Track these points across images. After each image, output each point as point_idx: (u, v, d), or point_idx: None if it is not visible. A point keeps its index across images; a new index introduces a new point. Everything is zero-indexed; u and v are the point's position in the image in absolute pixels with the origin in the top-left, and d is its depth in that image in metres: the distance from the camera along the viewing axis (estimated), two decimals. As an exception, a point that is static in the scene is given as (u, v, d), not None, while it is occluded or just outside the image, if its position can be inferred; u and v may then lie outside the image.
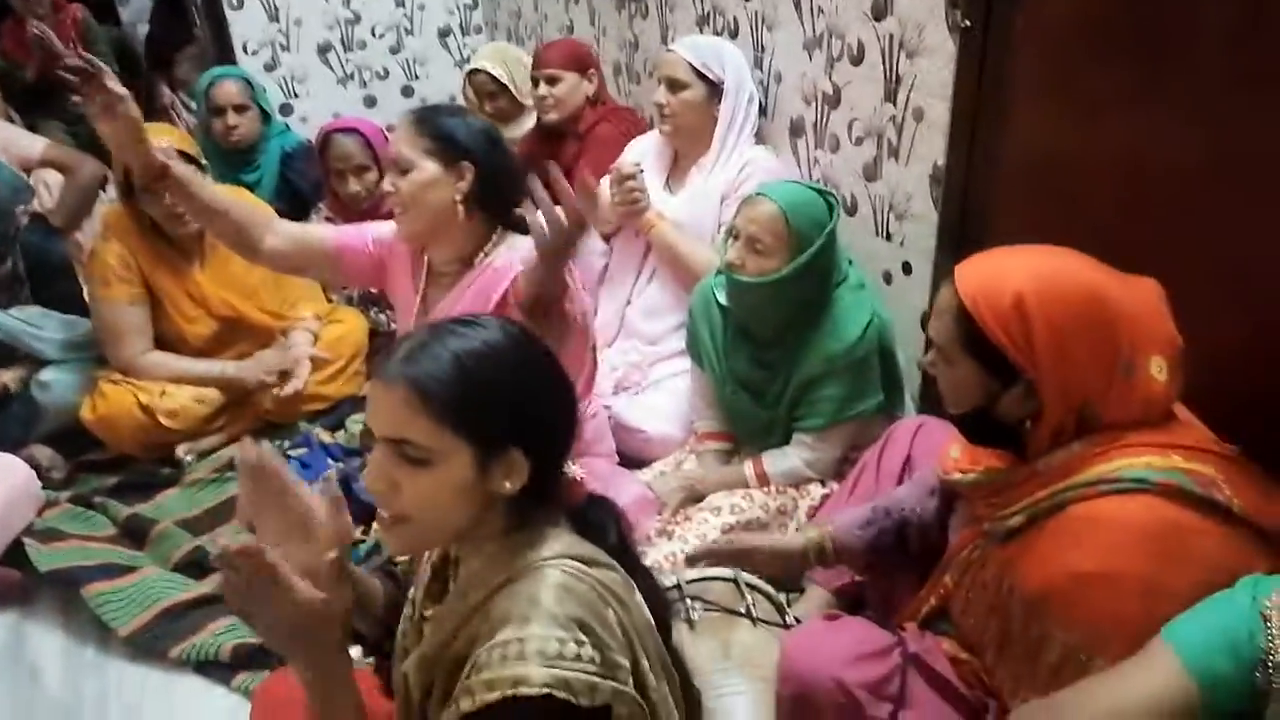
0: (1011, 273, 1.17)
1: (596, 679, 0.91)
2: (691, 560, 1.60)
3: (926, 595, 1.41)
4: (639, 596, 1.03)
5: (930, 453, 1.64)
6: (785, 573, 1.67)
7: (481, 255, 1.75)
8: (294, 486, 1.10)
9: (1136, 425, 1.17)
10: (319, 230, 2.00)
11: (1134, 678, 0.98)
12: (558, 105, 2.83)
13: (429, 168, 1.67)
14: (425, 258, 1.83)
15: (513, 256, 1.71)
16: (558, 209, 1.32)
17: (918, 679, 1.31)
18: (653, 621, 1.04)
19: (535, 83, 2.87)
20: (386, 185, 1.70)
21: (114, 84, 1.58)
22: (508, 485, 0.98)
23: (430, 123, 1.69)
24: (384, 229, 1.87)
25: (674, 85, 2.35)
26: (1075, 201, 1.65)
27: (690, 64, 2.33)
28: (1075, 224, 1.60)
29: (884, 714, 1.28)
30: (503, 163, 1.76)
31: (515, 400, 0.99)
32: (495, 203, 1.74)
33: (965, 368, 1.21)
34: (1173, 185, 1.47)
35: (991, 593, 1.25)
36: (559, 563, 0.98)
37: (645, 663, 0.98)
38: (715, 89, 2.36)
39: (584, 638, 0.92)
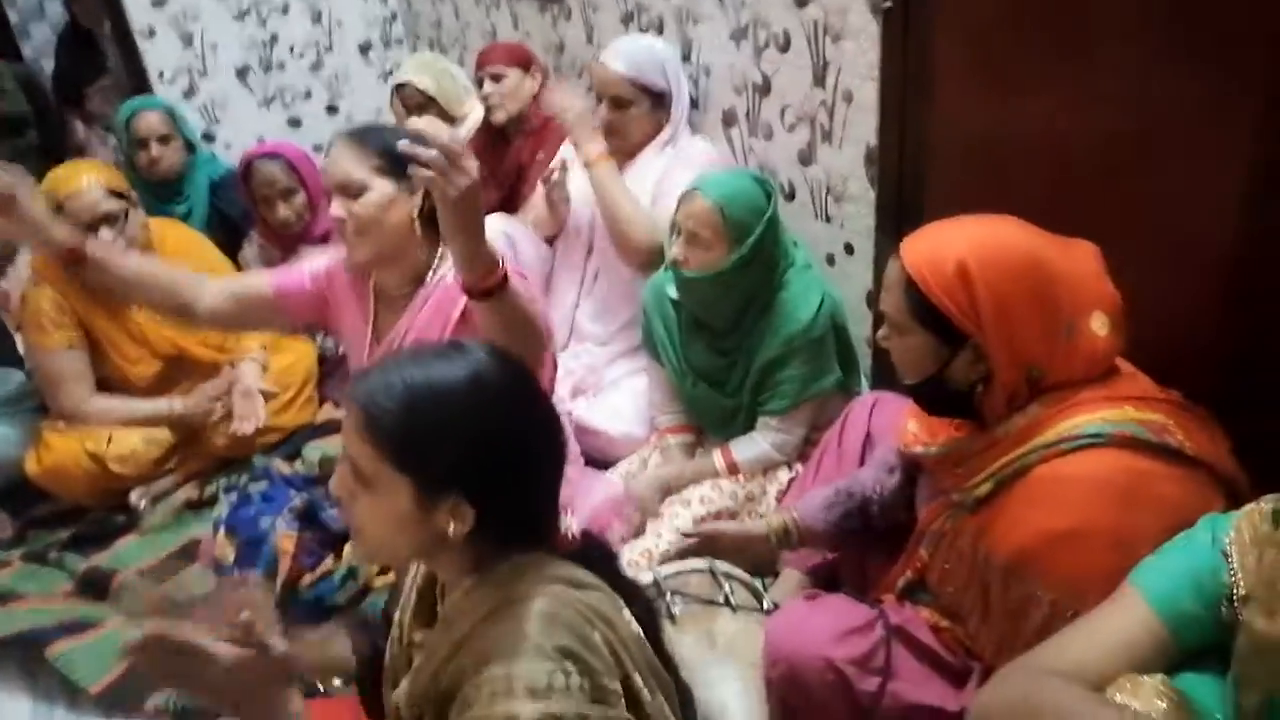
0: (953, 242, 1.22)
1: (587, 708, 0.91)
2: (664, 561, 1.61)
3: (902, 568, 1.44)
4: (625, 612, 1.03)
5: (888, 428, 1.68)
6: (753, 559, 1.70)
7: (431, 272, 1.73)
8: (196, 644, 0.98)
9: (1086, 382, 1.22)
10: (254, 279, 1.92)
11: (1106, 623, 1.02)
12: (504, 103, 2.83)
13: (384, 187, 1.61)
14: (371, 283, 1.79)
15: None
16: (432, 153, 1.21)
17: (902, 650, 1.34)
18: (641, 634, 1.04)
19: (480, 83, 2.88)
20: (336, 211, 1.62)
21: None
22: (451, 529, 0.97)
23: (375, 141, 1.63)
24: (320, 263, 1.82)
25: (618, 103, 2.32)
26: (1004, 175, 1.70)
27: (631, 81, 2.30)
28: (1006, 197, 1.64)
29: (872, 687, 1.31)
30: None
31: (462, 448, 0.96)
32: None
33: (916, 337, 1.25)
34: (1095, 155, 1.53)
35: (968, 561, 1.29)
36: (542, 589, 0.97)
37: (637, 678, 0.99)
38: (659, 97, 2.34)
39: (572, 667, 0.92)
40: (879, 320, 1.33)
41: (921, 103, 1.83)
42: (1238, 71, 1.28)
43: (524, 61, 2.87)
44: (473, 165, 1.24)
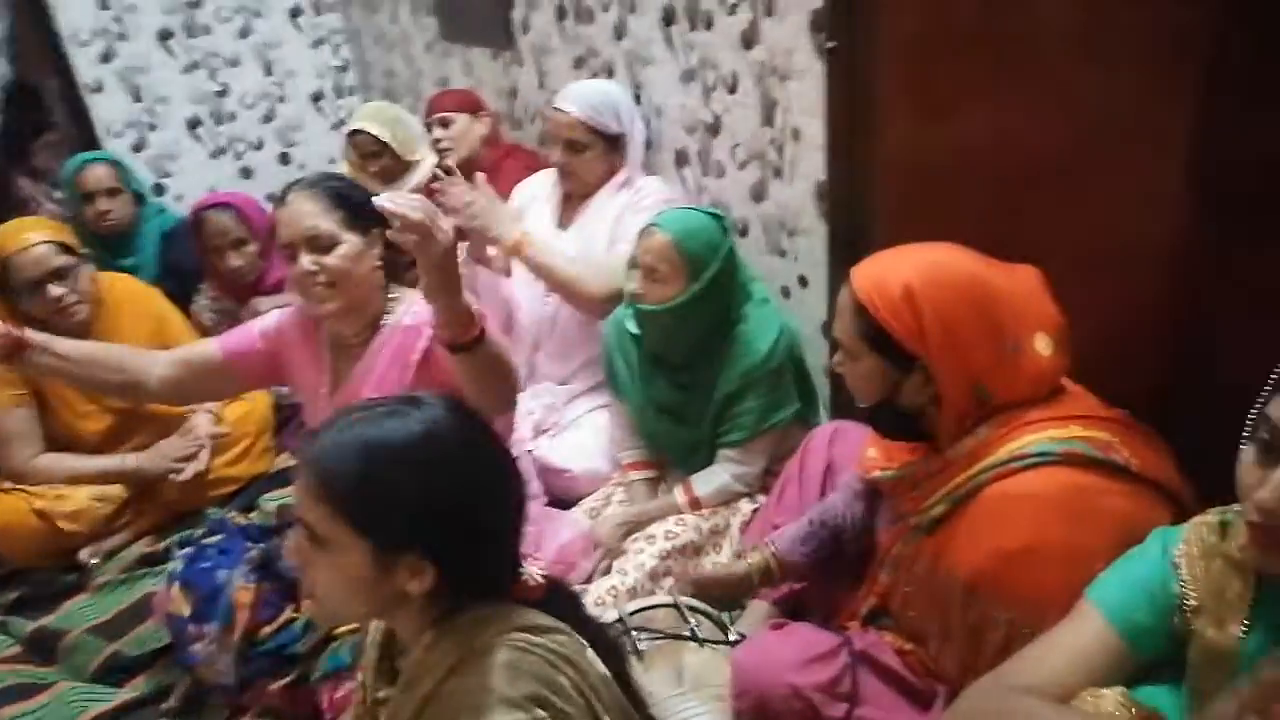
0: (899, 268, 1.26)
1: None
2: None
3: (865, 595, 1.45)
4: (590, 653, 1.02)
5: (849, 456, 1.70)
6: (735, 598, 1.71)
7: (384, 316, 1.73)
8: None
9: (1033, 402, 1.25)
10: (201, 346, 1.89)
11: (1066, 638, 1.03)
12: (455, 147, 2.87)
13: (352, 239, 1.64)
14: (323, 333, 1.79)
15: (422, 313, 1.69)
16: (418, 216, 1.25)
17: (868, 675, 1.34)
18: (608, 674, 1.03)
19: (429, 129, 2.93)
20: (307, 265, 1.61)
21: None
22: (411, 588, 0.96)
23: (339, 195, 1.65)
24: (270, 320, 1.83)
25: (574, 147, 2.35)
26: (950, 200, 1.75)
27: (586, 124, 2.33)
28: (952, 221, 1.69)
29: (839, 713, 1.31)
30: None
31: (419, 505, 0.95)
32: (391, 261, 1.74)
33: (868, 361, 1.28)
34: (1033, 172, 1.57)
35: (927, 584, 1.30)
36: (504, 639, 0.96)
37: (607, 719, 0.98)
38: (613, 140, 2.38)
39: (543, 714, 0.91)
40: (835, 348, 1.36)
41: (867, 137, 1.88)
42: (1165, 83, 1.33)
43: (472, 106, 2.93)
44: (449, 226, 1.28)
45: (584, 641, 1.03)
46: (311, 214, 1.62)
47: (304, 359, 1.81)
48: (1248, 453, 0.86)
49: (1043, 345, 1.25)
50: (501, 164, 2.85)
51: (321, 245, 1.62)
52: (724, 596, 1.67)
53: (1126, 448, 1.20)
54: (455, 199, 2.22)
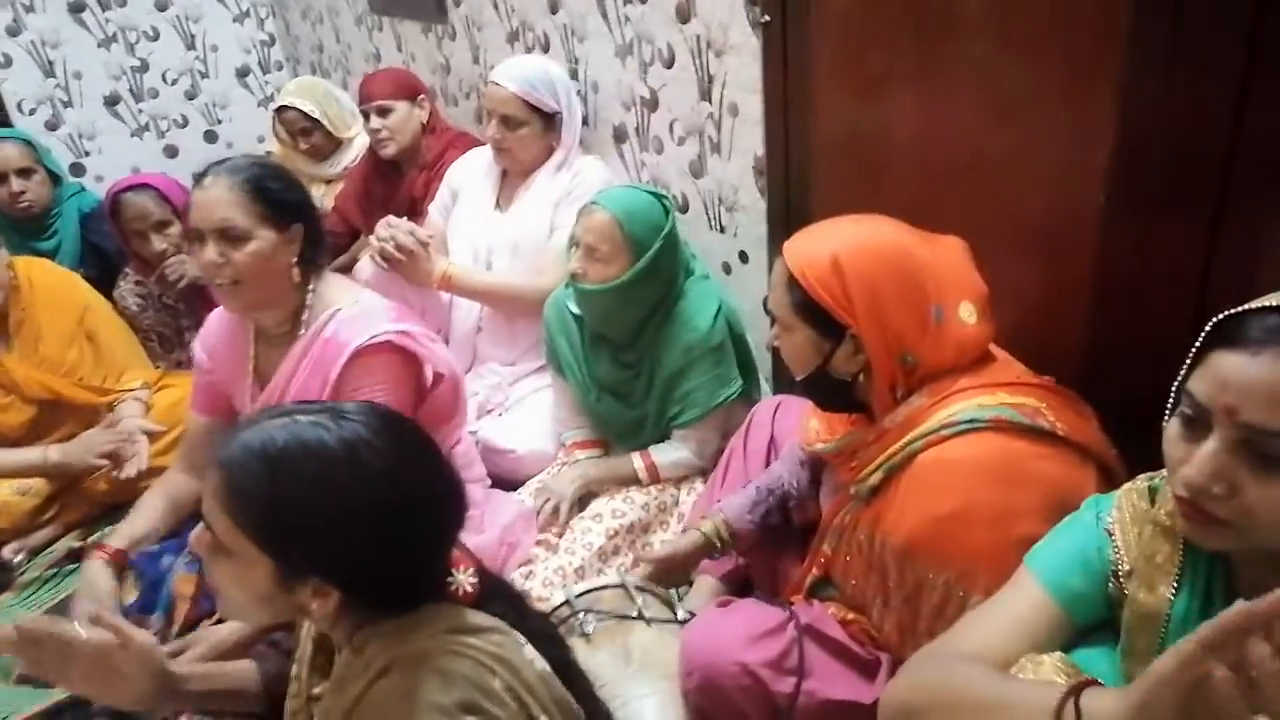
0: (828, 239, 1.29)
1: None
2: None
3: (809, 566, 1.47)
4: (528, 651, 1.00)
5: (791, 429, 1.72)
6: (688, 571, 1.72)
7: (305, 310, 1.69)
8: (73, 640, 1.08)
9: (961, 370, 1.28)
10: (190, 423, 1.92)
11: (1005, 606, 1.05)
12: (394, 137, 2.77)
13: (268, 236, 1.58)
14: (248, 325, 1.75)
15: (351, 330, 1.64)
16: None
17: (814, 648, 1.36)
18: (547, 670, 1.01)
19: (365, 116, 2.80)
20: (212, 256, 1.56)
21: None
22: (314, 608, 0.93)
23: (259, 187, 1.58)
24: (199, 337, 1.84)
25: (509, 123, 2.33)
26: (882, 175, 1.77)
27: (523, 100, 2.31)
28: (885, 195, 1.72)
29: (787, 688, 1.32)
30: (317, 214, 1.73)
31: (328, 534, 0.90)
32: (312, 254, 1.70)
33: (800, 332, 1.31)
34: (957, 152, 1.60)
35: (866, 552, 1.32)
36: (434, 644, 0.94)
37: (544, 719, 0.97)
38: (550, 118, 2.36)
39: (472, 718, 0.90)
40: (774, 322, 1.38)
41: (803, 112, 1.88)
42: (1085, 64, 1.36)
43: (411, 92, 2.80)
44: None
45: (521, 639, 1.01)
46: (228, 204, 1.56)
47: (229, 350, 1.77)
48: (1172, 426, 0.88)
49: (967, 313, 1.29)
50: (444, 155, 2.75)
51: (232, 238, 1.56)
52: (678, 571, 1.67)
53: (1052, 412, 1.24)
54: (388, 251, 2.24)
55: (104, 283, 2.69)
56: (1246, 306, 0.84)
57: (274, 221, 1.59)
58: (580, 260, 1.95)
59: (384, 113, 2.75)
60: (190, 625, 1.78)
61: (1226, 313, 0.85)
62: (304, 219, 1.65)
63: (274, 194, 1.60)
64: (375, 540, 0.91)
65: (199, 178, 1.61)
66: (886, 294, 1.25)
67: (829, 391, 1.35)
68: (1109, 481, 1.21)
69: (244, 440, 0.92)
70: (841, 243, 1.27)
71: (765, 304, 2.16)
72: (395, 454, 0.94)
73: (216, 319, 1.84)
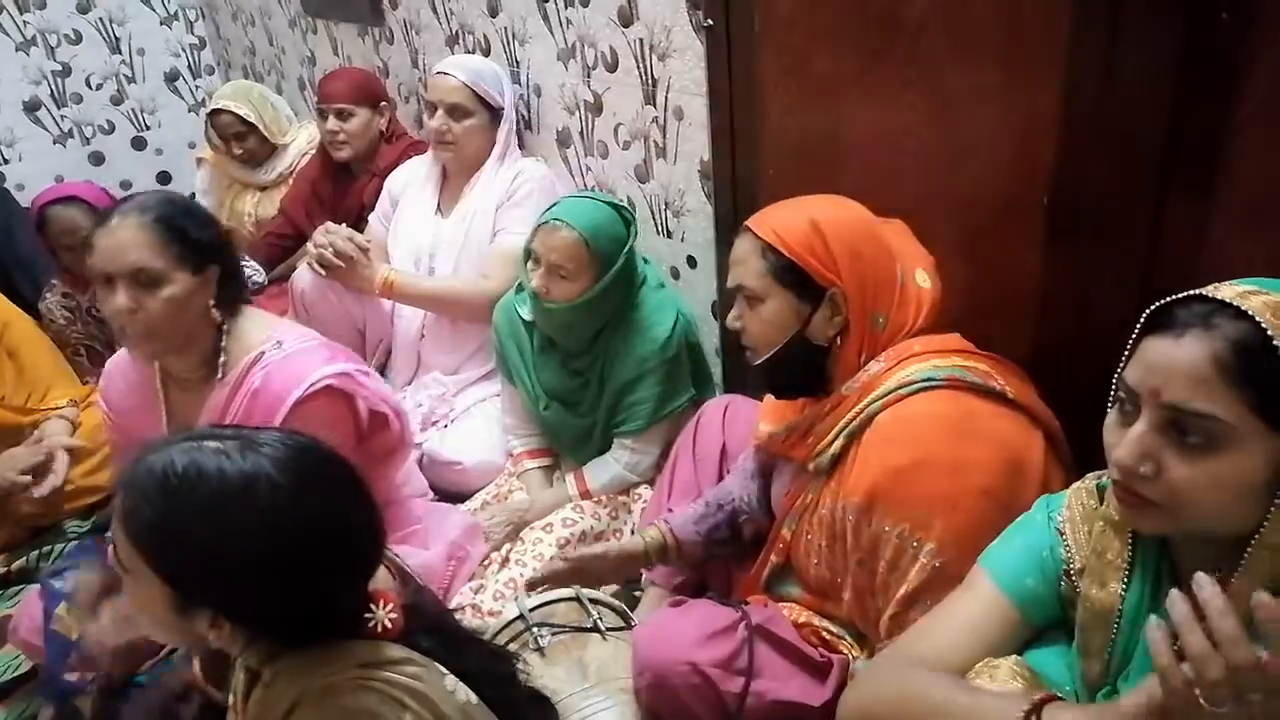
0: (800, 209, 1.36)
1: None
2: (532, 585, 1.57)
3: (767, 555, 1.48)
4: (449, 681, 0.98)
5: (743, 435, 1.71)
6: (629, 576, 1.69)
7: (222, 354, 1.58)
8: None
9: (917, 337, 1.33)
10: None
11: (961, 608, 1.06)
12: (350, 142, 2.71)
13: (183, 280, 1.48)
14: (153, 370, 1.65)
15: (284, 379, 1.54)
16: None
17: (765, 648, 1.36)
18: (473, 700, 0.99)
19: (323, 115, 2.73)
20: (123, 303, 1.45)
21: None
22: (211, 638, 0.92)
23: (173, 226, 1.48)
24: (100, 390, 1.75)
25: (456, 112, 2.31)
26: (831, 176, 1.76)
27: (472, 89, 2.30)
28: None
29: (737, 688, 1.32)
30: (233, 251, 1.63)
31: (219, 566, 0.88)
32: (229, 294, 1.59)
33: (776, 300, 1.33)
34: (904, 155, 1.61)
35: (828, 524, 1.34)
36: (344, 676, 0.91)
37: None
38: (495, 114, 2.35)
39: None
40: (728, 309, 1.40)
41: (749, 115, 1.88)
42: (1028, 66, 1.38)
43: (373, 99, 2.75)
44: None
45: (443, 671, 0.98)
46: (140, 245, 1.45)
47: (137, 404, 1.66)
48: (1110, 415, 0.91)
49: (921, 279, 1.36)
50: (399, 163, 2.68)
51: (145, 283, 1.45)
52: (605, 574, 1.62)
53: (1001, 378, 1.29)
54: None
55: (29, 295, 2.58)
56: (1176, 296, 0.87)
57: (190, 263, 1.49)
58: (543, 279, 1.92)
59: (343, 115, 2.69)
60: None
61: (1159, 303, 0.88)
62: (220, 259, 1.55)
63: (189, 233, 1.50)
64: (264, 576, 0.89)
65: (103, 217, 1.50)
66: (864, 251, 1.31)
67: (792, 368, 1.37)
68: (1054, 448, 1.27)
69: (148, 463, 0.91)
70: (816, 209, 1.34)
71: (714, 310, 2.16)
72: (296, 490, 0.91)
73: (115, 368, 1.71)
